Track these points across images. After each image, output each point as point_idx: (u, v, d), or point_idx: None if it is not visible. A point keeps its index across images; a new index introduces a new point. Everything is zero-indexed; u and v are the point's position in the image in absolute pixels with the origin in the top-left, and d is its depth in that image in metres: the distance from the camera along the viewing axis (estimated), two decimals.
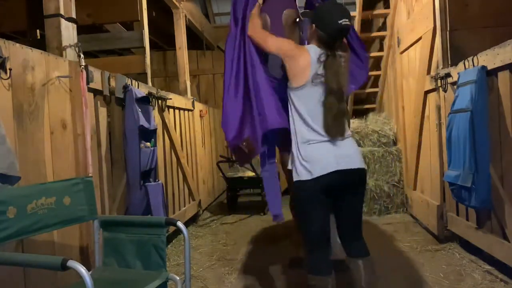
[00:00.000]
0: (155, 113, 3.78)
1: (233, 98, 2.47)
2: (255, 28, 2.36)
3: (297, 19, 2.52)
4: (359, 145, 5.23)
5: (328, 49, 2.07)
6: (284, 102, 2.38)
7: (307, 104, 2.09)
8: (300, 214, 2.15)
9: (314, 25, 2.12)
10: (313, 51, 2.10)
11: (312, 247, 2.10)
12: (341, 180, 2.03)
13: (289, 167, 2.24)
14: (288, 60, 2.13)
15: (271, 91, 2.38)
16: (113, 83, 3.02)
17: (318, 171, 2.00)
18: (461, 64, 3.23)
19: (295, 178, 2.11)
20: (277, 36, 2.33)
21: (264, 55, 2.47)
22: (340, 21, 2.00)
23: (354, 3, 6.02)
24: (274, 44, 2.24)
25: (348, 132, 2.15)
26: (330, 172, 2.00)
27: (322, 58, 2.06)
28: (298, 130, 2.11)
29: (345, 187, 2.07)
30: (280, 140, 2.55)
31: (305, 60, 2.08)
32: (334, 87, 2.04)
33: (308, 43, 2.26)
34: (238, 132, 2.46)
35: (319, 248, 2.09)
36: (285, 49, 2.17)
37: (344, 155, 2.05)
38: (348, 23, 2.02)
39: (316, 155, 2.04)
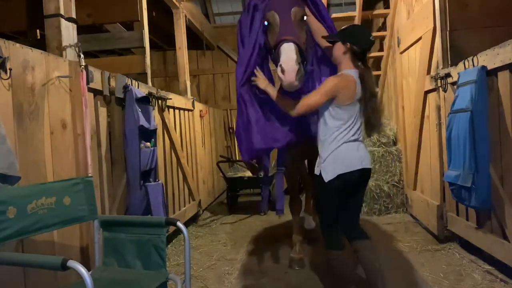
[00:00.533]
0: (155, 113, 3.78)
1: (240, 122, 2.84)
2: (289, 104, 2.48)
3: (304, 17, 2.54)
4: None
5: (361, 62, 2.45)
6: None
7: (350, 116, 2.41)
8: (326, 201, 2.50)
9: (348, 43, 2.43)
10: (354, 73, 2.40)
11: (330, 226, 2.52)
12: (360, 176, 2.46)
13: (322, 164, 2.43)
14: (341, 93, 2.36)
15: (259, 121, 2.67)
16: (113, 83, 3.02)
17: (351, 167, 2.40)
18: (461, 64, 3.23)
19: (334, 172, 2.39)
20: (292, 30, 2.45)
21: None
22: (371, 38, 2.50)
23: (354, 3, 6.03)
24: (321, 95, 2.38)
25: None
26: (357, 170, 2.42)
27: (360, 72, 2.41)
28: (336, 136, 2.40)
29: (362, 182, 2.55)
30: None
31: (353, 83, 2.38)
32: (373, 90, 2.42)
33: (338, 61, 2.50)
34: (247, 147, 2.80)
35: (335, 226, 2.52)
36: (335, 89, 2.36)
37: (365, 155, 2.48)
38: (373, 38, 2.52)
39: (350, 154, 2.41)
